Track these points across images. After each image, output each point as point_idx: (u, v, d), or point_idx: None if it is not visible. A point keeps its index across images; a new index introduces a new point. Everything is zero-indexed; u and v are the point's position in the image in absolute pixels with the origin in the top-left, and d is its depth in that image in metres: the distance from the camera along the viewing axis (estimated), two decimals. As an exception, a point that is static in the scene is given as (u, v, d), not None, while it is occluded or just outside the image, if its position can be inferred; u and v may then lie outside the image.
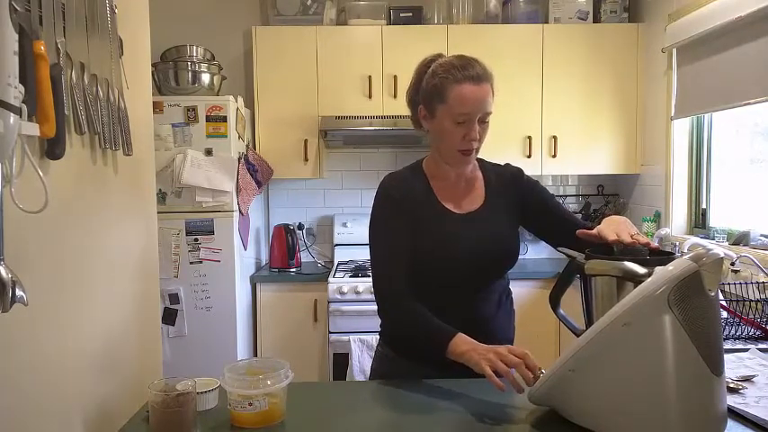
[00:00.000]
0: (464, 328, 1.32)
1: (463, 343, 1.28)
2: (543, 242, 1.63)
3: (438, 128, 1.44)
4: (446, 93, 1.39)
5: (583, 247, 1.28)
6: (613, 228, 1.27)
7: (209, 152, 2.96)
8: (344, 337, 3.06)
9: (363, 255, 3.51)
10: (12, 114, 0.83)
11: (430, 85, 1.43)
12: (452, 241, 1.45)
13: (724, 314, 1.93)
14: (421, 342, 1.38)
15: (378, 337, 1.60)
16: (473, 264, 1.45)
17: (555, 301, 1.36)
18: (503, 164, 1.61)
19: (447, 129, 1.42)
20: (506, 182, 1.56)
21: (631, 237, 1.23)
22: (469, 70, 1.39)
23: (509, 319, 1.57)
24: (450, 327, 1.33)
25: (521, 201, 1.55)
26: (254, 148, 3.36)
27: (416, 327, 1.37)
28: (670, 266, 0.98)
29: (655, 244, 1.25)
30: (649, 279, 0.99)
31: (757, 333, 1.89)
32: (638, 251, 1.24)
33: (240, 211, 3.07)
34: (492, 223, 1.50)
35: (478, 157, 1.56)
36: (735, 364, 1.44)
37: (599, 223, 1.33)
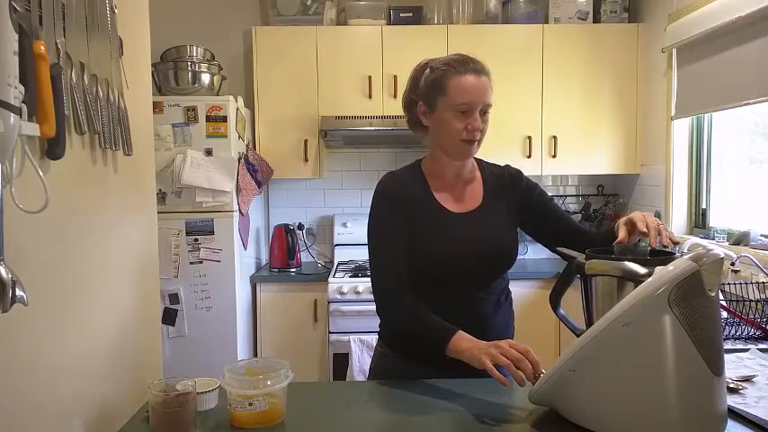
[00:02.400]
0: (462, 328, 1.32)
1: (464, 340, 1.28)
2: (536, 241, 1.63)
3: (439, 120, 1.44)
4: (446, 84, 1.40)
5: (580, 247, 1.28)
6: (641, 218, 1.28)
7: (209, 152, 2.96)
8: (344, 337, 3.06)
9: (363, 255, 3.49)
10: (12, 114, 0.83)
11: (429, 80, 1.44)
12: (450, 240, 1.45)
13: (724, 314, 1.93)
14: (421, 340, 1.38)
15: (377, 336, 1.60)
16: (470, 263, 1.45)
17: (555, 301, 1.36)
18: (502, 165, 1.61)
19: (448, 120, 1.42)
20: (505, 183, 1.56)
21: (658, 232, 1.24)
22: (469, 65, 1.41)
23: (508, 320, 1.56)
24: (450, 324, 1.33)
25: (520, 202, 1.55)
26: (254, 148, 3.36)
27: (416, 325, 1.37)
28: (670, 266, 0.98)
29: (675, 238, 1.26)
30: (649, 279, 0.99)
31: (757, 333, 1.89)
32: (638, 251, 1.24)
33: (240, 211, 3.07)
34: (490, 223, 1.50)
35: (478, 157, 1.56)
36: (735, 364, 1.44)
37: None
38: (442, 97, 1.42)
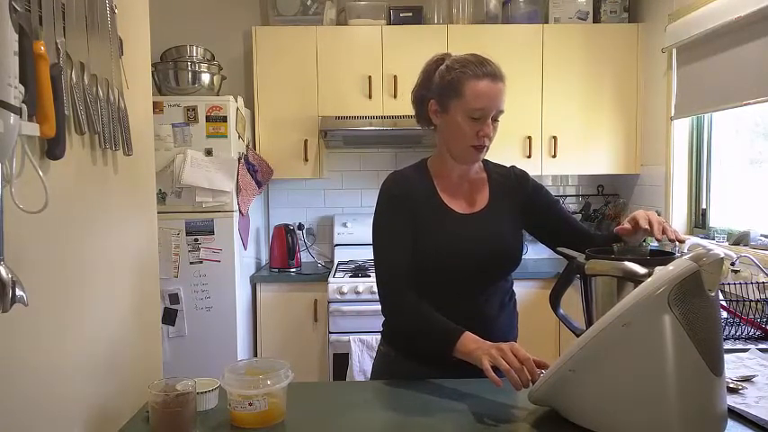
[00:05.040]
0: (466, 329, 1.32)
1: (471, 342, 1.28)
2: (540, 242, 1.62)
3: (451, 123, 1.43)
4: (462, 87, 1.38)
5: (584, 249, 1.28)
6: (644, 215, 1.27)
7: (209, 152, 2.96)
8: (344, 337, 3.06)
9: (363, 255, 3.52)
10: (12, 114, 0.83)
11: (445, 79, 1.42)
12: (454, 241, 1.44)
13: (724, 314, 1.93)
14: (426, 340, 1.37)
15: (378, 336, 1.60)
16: (474, 264, 1.44)
17: (555, 301, 1.36)
18: (508, 165, 1.61)
19: (460, 124, 1.41)
20: (511, 184, 1.55)
21: (663, 229, 1.23)
22: (486, 67, 1.39)
23: (512, 321, 1.56)
24: (456, 325, 1.33)
25: (525, 203, 1.54)
26: (254, 148, 3.36)
27: (422, 324, 1.37)
28: (670, 266, 0.98)
29: (682, 236, 1.25)
30: (649, 279, 0.99)
31: (757, 333, 1.89)
32: (638, 251, 1.24)
33: (240, 211, 3.07)
34: (494, 224, 1.49)
35: (484, 158, 1.55)
36: (735, 364, 1.45)
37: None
38: (456, 100, 1.40)
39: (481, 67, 1.39)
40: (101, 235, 1.25)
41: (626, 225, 1.28)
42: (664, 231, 1.24)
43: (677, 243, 1.24)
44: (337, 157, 3.75)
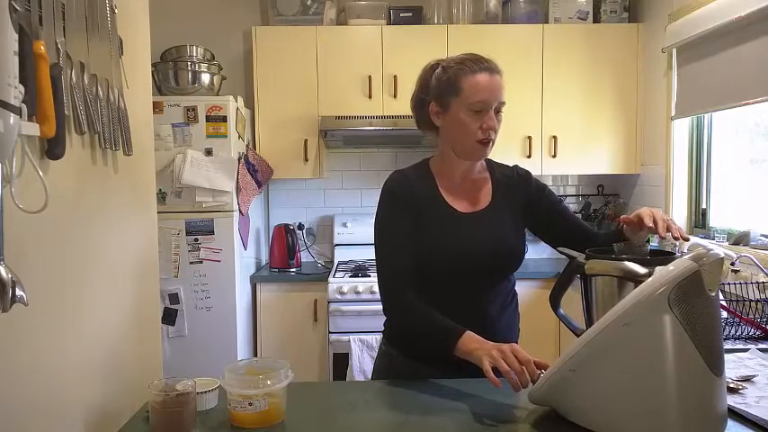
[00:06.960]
0: (468, 328, 1.32)
1: (472, 341, 1.28)
2: (543, 242, 1.62)
3: (453, 121, 1.43)
4: (460, 84, 1.39)
5: (587, 247, 1.28)
6: (649, 213, 1.27)
7: (209, 152, 2.96)
8: (344, 337, 3.06)
9: (363, 255, 3.52)
10: (12, 114, 0.83)
11: (442, 80, 1.42)
12: (456, 240, 1.44)
13: (724, 314, 1.93)
14: (426, 339, 1.37)
15: (378, 336, 1.59)
16: (476, 264, 1.44)
17: (555, 301, 1.36)
18: (511, 165, 1.61)
19: (463, 120, 1.40)
20: (514, 183, 1.55)
21: (667, 227, 1.23)
22: (482, 63, 1.40)
23: (513, 322, 1.56)
24: (457, 324, 1.33)
25: (528, 203, 1.54)
26: (254, 148, 3.36)
27: (423, 324, 1.37)
28: (670, 266, 0.98)
29: (685, 234, 1.24)
30: (649, 279, 0.99)
31: (757, 333, 1.89)
32: (638, 251, 1.24)
33: (240, 211, 3.07)
34: (497, 224, 1.49)
35: (487, 157, 1.55)
36: (735, 364, 1.45)
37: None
38: (455, 97, 1.40)
39: (477, 63, 1.40)
40: (101, 235, 1.25)
41: (631, 217, 1.28)
42: (668, 229, 1.23)
43: (681, 241, 1.24)
44: (337, 157, 3.75)
